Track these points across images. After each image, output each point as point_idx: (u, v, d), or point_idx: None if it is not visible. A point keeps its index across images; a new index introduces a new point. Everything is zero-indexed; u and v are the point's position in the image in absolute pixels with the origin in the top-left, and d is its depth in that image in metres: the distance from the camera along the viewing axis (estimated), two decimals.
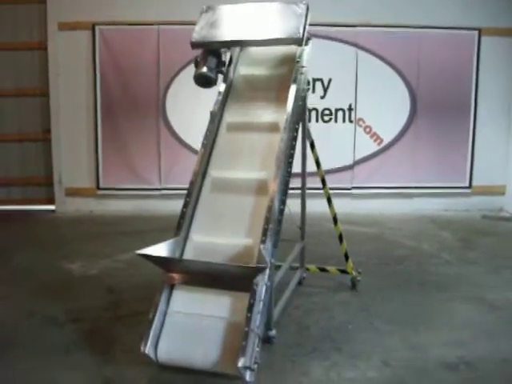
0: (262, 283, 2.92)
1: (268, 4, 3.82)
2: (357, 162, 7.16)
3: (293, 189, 4.29)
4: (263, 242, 2.94)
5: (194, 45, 3.74)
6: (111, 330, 3.50)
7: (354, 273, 4.24)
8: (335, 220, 4.25)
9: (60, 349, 3.25)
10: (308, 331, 3.48)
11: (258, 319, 2.82)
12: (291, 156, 3.52)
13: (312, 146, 4.16)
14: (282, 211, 3.32)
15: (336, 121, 7.09)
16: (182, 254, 3.18)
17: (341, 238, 4.25)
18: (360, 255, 5.15)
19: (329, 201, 4.24)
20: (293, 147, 3.55)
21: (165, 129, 7.03)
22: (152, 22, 6.77)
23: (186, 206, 3.28)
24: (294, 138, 3.61)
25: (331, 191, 7.02)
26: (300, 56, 3.71)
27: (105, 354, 3.15)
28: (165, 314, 2.97)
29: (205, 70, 3.69)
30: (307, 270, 4.37)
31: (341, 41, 6.87)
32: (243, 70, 3.97)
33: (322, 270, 4.35)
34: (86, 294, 4.18)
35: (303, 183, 4.23)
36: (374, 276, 4.56)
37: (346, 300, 4.04)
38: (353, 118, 7.07)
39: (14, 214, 7.16)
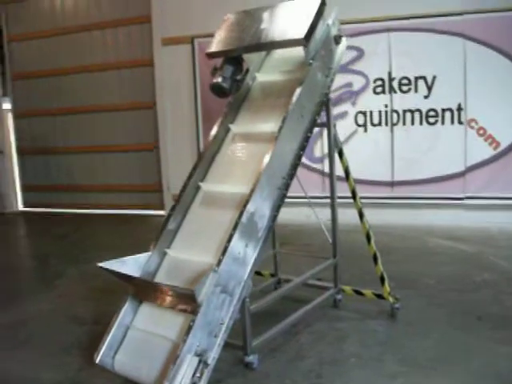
0: (225, 305, 2.76)
1: (286, 4, 3.57)
2: (469, 169, 6.25)
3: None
4: (219, 262, 2.75)
5: (208, 55, 3.70)
6: None
7: (391, 299, 3.72)
8: (368, 237, 3.77)
9: (62, 347, 3.49)
10: (301, 362, 3.14)
11: (214, 344, 2.69)
12: (294, 167, 3.25)
13: (340, 154, 3.76)
14: (270, 228, 3.07)
15: (443, 123, 6.27)
16: (157, 268, 3.15)
17: (375, 258, 3.76)
18: (433, 278, 4.52)
19: (360, 215, 3.77)
20: (298, 157, 3.28)
21: None
22: None
23: (167, 219, 3.23)
24: (302, 148, 3.32)
25: (438, 201, 6.43)
26: (314, 57, 3.38)
27: None
28: (128, 327, 2.98)
29: (219, 79, 3.61)
30: (342, 291, 3.96)
31: (445, 32, 6.05)
32: (262, 76, 3.78)
33: (358, 292, 3.90)
34: None
35: (332, 192, 3.83)
36: (428, 304, 3.94)
37: (372, 329, 3.55)
38: (463, 119, 6.18)
39: (130, 217, 7.86)
